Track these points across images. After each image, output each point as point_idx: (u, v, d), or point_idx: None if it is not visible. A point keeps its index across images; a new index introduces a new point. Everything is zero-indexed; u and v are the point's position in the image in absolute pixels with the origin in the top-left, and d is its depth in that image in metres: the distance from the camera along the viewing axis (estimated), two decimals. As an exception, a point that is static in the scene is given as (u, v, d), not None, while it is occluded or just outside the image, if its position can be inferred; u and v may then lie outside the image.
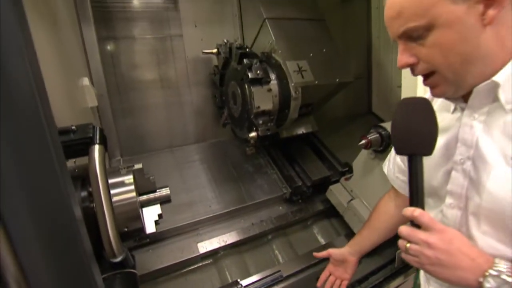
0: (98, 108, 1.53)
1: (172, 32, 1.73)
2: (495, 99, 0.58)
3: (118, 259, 0.69)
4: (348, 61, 1.81)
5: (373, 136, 1.41)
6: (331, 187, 1.72)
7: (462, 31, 0.54)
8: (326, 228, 1.76)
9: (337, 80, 1.59)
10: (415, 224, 0.58)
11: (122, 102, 1.66)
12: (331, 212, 1.72)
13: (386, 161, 0.95)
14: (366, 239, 1.01)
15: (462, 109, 0.65)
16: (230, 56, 1.52)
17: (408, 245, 0.58)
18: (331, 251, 1.04)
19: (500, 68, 0.56)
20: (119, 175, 0.83)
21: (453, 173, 0.66)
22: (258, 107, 1.36)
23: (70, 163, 0.79)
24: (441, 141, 0.68)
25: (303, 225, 1.77)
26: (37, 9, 0.95)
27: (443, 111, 0.70)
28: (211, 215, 1.54)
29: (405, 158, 0.83)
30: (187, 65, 1.78)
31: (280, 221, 1.65)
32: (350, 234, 1.57)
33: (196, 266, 1.44)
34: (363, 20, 2.23)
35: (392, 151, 0.93)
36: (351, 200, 1.57)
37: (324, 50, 1.65)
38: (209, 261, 1.47)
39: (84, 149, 0.69)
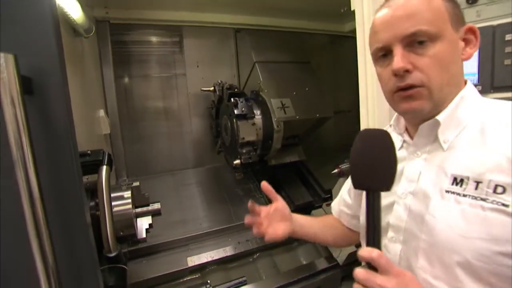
0: (111, 135, 1.79)
1: (177, 71, 2.03)
2: (436, 138, 0.60)
3: (113, 254, 0.88)
4: (330, 99, 2.04)
5: (345, 166, 1.60)
6: (313, 211, 1.88)
7: (455, 54, 0.58)
8: (309, 250, 1.89)
9: (317, 115, 1.82)
10: (371, 266, 0.52)
11: (131, 130, 1.92)
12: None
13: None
14: (307, 227, 0.90)
15: (408, 146, 0.67)
16: (222, 95, 1.78)
17: None
18: (280, 198, 0.91)
19: (447, 105, 0.59)
20: (120, 190, 1.05)
21: (395, 206, 0.65)
22: (243, 138, 1.59)
23: (84, 179, 1.01)
24: None
25: (288, 247, 1.91)
26: (69, 53, 1.23)
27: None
28: (201, 232, 1.71)
29: (352, 191, 0.85)
30: (188, 100, 2.06)
31: (265, 241, 1.80)
32: (329, 257, 1.71)
33: (185, 279, 1.60)
34: (352, 58, 2.50)
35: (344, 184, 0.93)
36: (330, 223, 1.72)
37: (307, 89, 1.90)
38: (197, 275, 1.62)
39: (95, 168, 0.92)
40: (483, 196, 0.52)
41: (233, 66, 2.15)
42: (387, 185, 0.54)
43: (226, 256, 1.67)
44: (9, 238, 0.60)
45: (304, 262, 1.81)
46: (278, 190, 1.96)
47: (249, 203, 0.87)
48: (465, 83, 0.62)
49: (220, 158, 2.16)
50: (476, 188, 0.53)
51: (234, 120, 1.62)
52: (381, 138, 0.56)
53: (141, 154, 1.97)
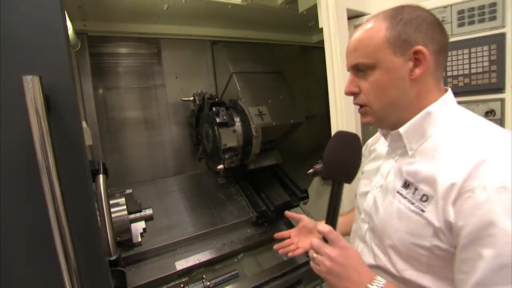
0: (91, 146, 1.80)
1: (156, 82, 2.09)
2: (404, 145, 0.70)
3: (113, 257, 0.94)
4: (301, 105, 2.21)
5: (319, 166, 1.76)
6: (291, 210, 2.02)
7: (395, 78, 0.65)
8: (289, 247, 2.02)
9: (291, 121, 1.97)
10: (325, 239, 0.66)
11: (112, 141, 1.94)
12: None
13: None
14: (342, 224, 1.01)
15: (389, 147, 0.78)
16: (203, 104, 1.87)
17: (315, 255, 0.66)
18: (304, 217, 1.05)
19: (410, 119, 0.68)
20: (114, 198, 1.10)
21: (368, 195, 0.79)
22: (225, 144, 1.70)
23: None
24: (373, 165, 0.83)
25: (269, 246, 2.03)
26: None
27: (383, 145, 0.83)
28: (187, 236, 1.77)
29: None
30: (168, 110, 2.11)
31: (248, 241, 1.90)
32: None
33: (173, 283, 1.64)
34: (321, 67, 2.71)
35: None
36: (307, 220, 1.87)
37: (281, 97, 2.05)
38: (185, 279, 1.68)
39: (92, 177, 0.97)
40: (413, 201, 0.65)
41: (210, 76, 2.25)
42: (349, 179, 0.68)
43: (212, 258, 1.74)
44: (28, 242, 0.66)
45: (285, 259, 1.93)
46: (258, 192, 2.10)
47: (276, 235, 1.05)
48: (444, 93, 0.69)
49: (200, 165, 2.23)
50: (414, 193, 0.65)
51: (216, 128, 1.72)
52: (352, 141, 0.69)
53: (122, 164, 1.99)
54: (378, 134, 0.88)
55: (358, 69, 0.69)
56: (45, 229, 0.62)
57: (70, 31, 1.18)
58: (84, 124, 1.60)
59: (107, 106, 1.93)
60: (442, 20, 1.08)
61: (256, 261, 1.91)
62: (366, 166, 0.87)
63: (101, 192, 0.96)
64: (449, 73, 1.08)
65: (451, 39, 1.07)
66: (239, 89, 1.92)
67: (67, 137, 0.68)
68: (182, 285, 1.36)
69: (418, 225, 0.63)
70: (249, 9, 1.76)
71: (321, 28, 1.35)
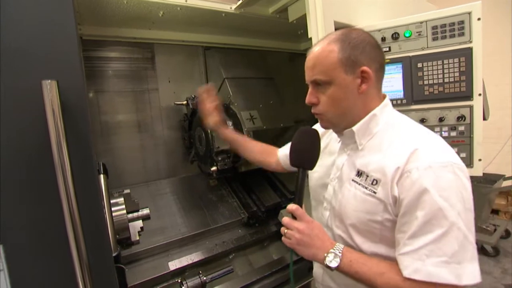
0: (84, 149, 1.82)
1: (149, 86, 2.13)
2: (355, 141, 0.86)
3: (114, 254, 0.98)
4: (290, 110, 2.30)
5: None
6: (281, 211, 2.09)
7: (347, 93, 0.81)
8: (279, 247, 2.08)
9: (281, 125, 2.06)
10: (293, 216, 0.81)
11: (105, 143, 1.95)
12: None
13: (283, 148, 1.28)
14: (240, 141, 1.47)
15: (341, 143, 0.94)
16: (196, 108, 1.93)
17: (286, 230, 0.81)
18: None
19: (359, 121, 0.84)
20: (113, 197, 1.14)
21: (329, 186, 0.94)
22: (218, 147, 1.76)
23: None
24: (329, 160, 0.97)
25: (260, 246, 2.09)
26: None
27: (335, 141, 0.99)
28: (181, 237, 1.81)
29: None
30: (161, 113, 2.15)
31: (240, 242, 1.96)
32: (297, 250, 1.92)
33: (167, 283, 1.67)
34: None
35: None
36: (296, 220, 1.95)
37: (271, 102, 2.14)
38: (177, 280, 1.71)
39: (93, 177, 1.02)
40: (366, 185, 0.81)
41: (202, 81, 2.31)
42: (311, 166, 0.85)
43: (205, 258, 1.78)
44: (40, 239, 0.70)
45: (275, 258, 2.00)
46: (249, 194, 2.16)
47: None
48: (383, 99, 0.87)
49: (192, 168, 2.27)
50: (366, 180, 0.81)
51: (209, 131, 1.78)
52: (311, 135, 0.86)
53: (116, 167, 2.00)
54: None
55: (316, 83, 0.83)
56: (58, 223, 0.66)
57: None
58: (79, 126, 1.62)
59: (100, 109, 1.95)
60: (419, 34, 1.19)
61: (247, 260, 1.96)
62: (320, 160, 0.98)
63: (102, 192, 1.00)
64: (425, 82, 1.19)
65: (427, 51, 1.19)
66: (231, 94, 1.98)
67: (78, 138, 0.73)
68: (179, 280, 1.39)
69: (372, 204, 0.79)
70: (241, 17, 1.84)
71: (310, 38, 1.44)
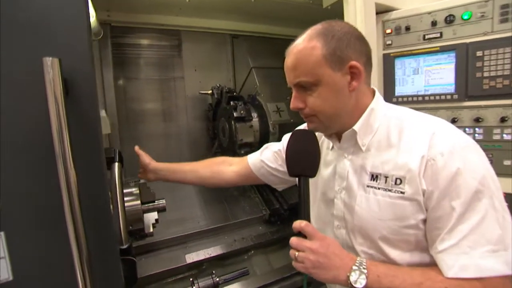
0: (109, 135, 1.83)
1: (175, 74, 2.09)
2: (356, 142, 0.76)
3: (125, 246, 0.94)
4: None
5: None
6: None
7: (336, 91, 0.71)
8: (301, 248, 1.98)
9: (310, 119, 1.92)
10: (302, 234, 0.67)
11: (129, 131, 1.96)
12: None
13: (255, 154, 1.12)
14: (179, 172, 1.19)
15: (336, 149, 0.82)
16: (221, 98, 1.86)
17: (297, 253, 0.67)
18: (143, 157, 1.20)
19: (356, 121, 0.75)
20: (129, 187, 1.10)
21: (335, 201, 0.81)
22: (241, 139, 1.67)
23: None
24: (326, 173, 0.85)
25: (281, 245, 1.99)
26: None
27: (327, 148, 0.87)
28: (199, 230, 1.77)
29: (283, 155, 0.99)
30: (186, 102, 2.12)
31: (260, 239, 1.88)
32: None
33: (183, 275, 1.65)
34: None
35: (265, 146, 1.11)
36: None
37: (300, 94, 2.00)
38: (195, 271, 1.68)
39: (108, 165, 0.97)
40: (389, 188, 0.70)
41: (229, 70, 2.24)
42: (313, 172, 0.72)
43: (223, 253, 1.73)
44: (41, 227, 0.66)
45: (297, 259, 1.90)
46: (272, 190, 2.07)
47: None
48: (374, 93, 0.78)
49: (215, 159, 2.22)
50: (386, 182, 0.71)
51: (233, 123, 1.70)
52: (308, 137, 0.74)
53: (139, 155, 2.00)
54: None
55: (300, 86, 0.73)
56: (58, 215, 0.61)
57: (93, 19, 1.18)
58: (103, 113, 1.62)
59: (126, 97, 1.95)
60: (482, 15, 1.00)
61: (266, 259, 1.88)
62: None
63: (115, 181, 0.95)
64: (486, 74, 1.00)
65: (491, 36, 0.99)
66: (258, 84, 1.89)
67: (84, 122, 0.68)
68: (191, 279, 1.35)
69: (402, 208, 0.69)
70: (271, 4, 1.72)
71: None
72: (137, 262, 1.56)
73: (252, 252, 1.87)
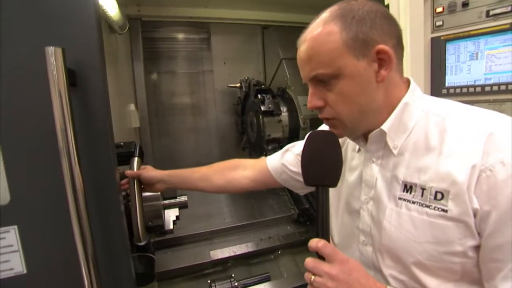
0: (140, 129, 1.86)
1: (204, 68, 2.06)
2: (386, 144, 0.63)
3: (142, 243, 0.91)
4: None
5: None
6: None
7: (362, 84, 0.59)
8: (332, 251, 1.86)
9: (344, 113, 1.78)
10: (319, 255, 0.57)
11: (159, 124, 1.98)
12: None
13: (275, 156, 0.97)
14: (190, 181, 1.03)
15: (364, 151, 0.69)
16: (249, 91, 1.78)
17: (312, 277, 0.56)
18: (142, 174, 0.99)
19: (386, 119, 0.62)
20: (150, 182, 1.08)
21: (361, 212, 0.69)
22: (269, 135, 1.59)
23: (116, 169, 1.06)
24: (351, 179, 0.73)
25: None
26: (105, 48, 1.28)
27: (353, 150, 0.75)
28: (225, 226, 1.73)
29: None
30: (215, 96, 2.08)
31: (287, 239, 1.79)
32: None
33: (207, 271, 1.63)
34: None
35: (286, 148, 0.96)
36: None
37: (334, 87, 1.86)
38: (219, 268, 1.65)
39: (127, 160, 0.96)
40: (427, 203, 0.57)
41: (259, 62, 2.16)
42: (334, 182, 0.59)
43: (248, 252, 1.67)
44: (52, 221, 0.64)
45: (326, 262, 1.78)
46: (301, 189, 1.95)
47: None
48: (408, 84, 0.64)
49: (244, 155, 2.17)
50: (422, 195, 0.58)
51: (261, 117, 1.62)
52: (328, 140, 0.61)
53: (168, 148, 2.02)
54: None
55: (318, 80, 0.61)
56: (67, 210, 0.59)
57: (116, 11, 1.17)
58: (132, 107, 1.64)
59: (156, 90, 1.97)
60: None
61: (294, 261, 1.79)
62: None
63: (135, 177, 0.93)
64: None
65: None
66: (288, 76, 1.78)
67: (92, 114, 0.65)
68: (209, 281, 1.31)
69: (445, 229, 0.55)
70: (304, -12, 1.60)
71: (387, 5, 1.14)
72: (161, 255, 1.59)
73: (279, 252, 1.80)
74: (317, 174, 0.60)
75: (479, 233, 0.53)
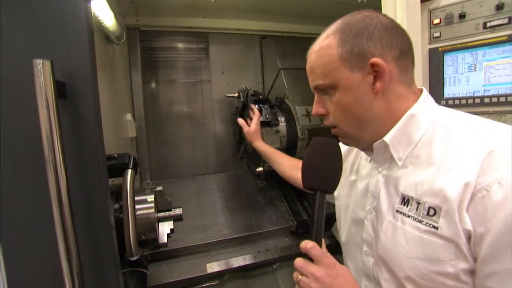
0: (136, 138, 1.84)
1: (202, 77, 2.06)
2: (391, 156, 0.64)
3: (134, 258, 0.88)
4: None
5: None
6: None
7: (358, 95, 0.60)
8: (331, 264, 1.82)
9: (343, 124, 1.76)
10: (309, 256, 0.59)
11: (156, 134, 1.96)
12: (338, 248, 1.79)
13: None
14: (271, 154, 1.37)
15: (372, 162, 0.70)
16: (246, 101, 1.78)
17: (300, 276, 0.59)
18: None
19: (390, 130, 0.62)
20: (144, 194, 1.06)
21: (365, 222, 0.70)
22: (266, 145, 1.56)
23: (109, 181, 1.03)
24: (359, 188, 0.73)
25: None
26: (101, 59, 1.27)
27: (365, 160, 0.75)
28: (221, 238, 1.70)
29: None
30: (213, 105, 2.07)
31: (285, 252, 1.75)
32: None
33: (203, 285, 1.58)
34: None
35: None
36: (353, 236, 1.65)
37: (333, 97, 1.85)
38: (215, 282, 1.60)
39: (121, 171, 0.94)
40: (420, 218, 0.56)
41: (257, 72, 2.15)
42: (330, 188, 0.62)
43: (246, 265, 1.63)
44: (36, 237, 0.62)
45: (326, 276, 1.74)
46: (300, 200, 1.93)
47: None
48: (420, 95, 0.64)
49: (242, 165, 2.15)
50: (417, 209, 0.57)
51: (258, 127, 1.60)
52: (329, 148, 0.64)
53: (165, 158, 2.00)
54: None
55: (320, 90, 0.65)
56: (50, 229, 0.56)
57: (112, 22, 1.17)
58: (129, 116, 1.62)
59: (154, 100, 1.96)
60: None
61: (292, 274, 1.74)
62: (350, 188, 0.78)
63: (126, 188, 0.91)
64: None
65: None
66: (286, 86, 1.78)
67: (82, 127, 0.63)
68: None
69: (435, 247, 0.54)
70: (302, 1, 1.61)
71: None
72: (155, 268, 1.55)
73: (278, 264, 1.76)
74: (315, 179, 0.62)
75: (473, 258, 0.51)
